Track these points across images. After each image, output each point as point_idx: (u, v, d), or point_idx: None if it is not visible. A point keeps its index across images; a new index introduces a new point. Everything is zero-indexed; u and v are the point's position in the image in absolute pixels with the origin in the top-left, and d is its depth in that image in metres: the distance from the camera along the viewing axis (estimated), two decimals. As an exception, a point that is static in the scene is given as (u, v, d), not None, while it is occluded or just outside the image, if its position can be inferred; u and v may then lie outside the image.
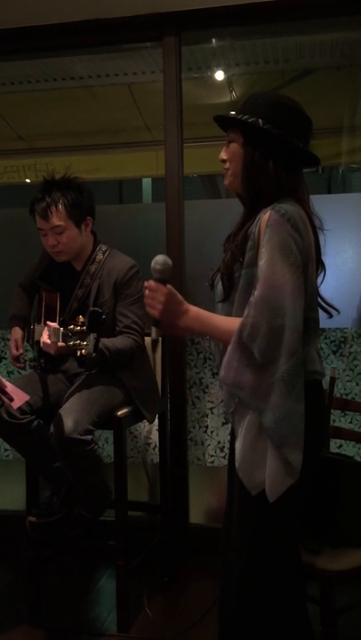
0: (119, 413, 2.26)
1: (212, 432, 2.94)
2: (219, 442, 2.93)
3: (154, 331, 1.61)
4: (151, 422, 2.48)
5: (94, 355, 1.92)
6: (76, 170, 2.40)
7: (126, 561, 2.25)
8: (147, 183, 6.55)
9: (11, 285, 2.60)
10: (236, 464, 1.51)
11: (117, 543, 2.24)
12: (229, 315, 1.57)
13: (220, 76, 3.68)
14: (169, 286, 1.54)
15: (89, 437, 2.10)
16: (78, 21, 2.76)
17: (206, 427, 2.94)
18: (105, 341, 2.16)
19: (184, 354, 2.87)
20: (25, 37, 2.88)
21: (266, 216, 1.48)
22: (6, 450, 3.17)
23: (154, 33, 2.81)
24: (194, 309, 1.56)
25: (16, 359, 2.43)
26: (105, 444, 3.01)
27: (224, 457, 2.91)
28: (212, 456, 2.94)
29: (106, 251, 2.39)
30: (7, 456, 3.18)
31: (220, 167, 1.65)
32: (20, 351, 2.43)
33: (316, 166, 1.62)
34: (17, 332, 2.46)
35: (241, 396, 1.48)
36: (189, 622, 2.24)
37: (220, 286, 1.63)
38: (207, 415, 2.94)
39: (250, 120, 1.53)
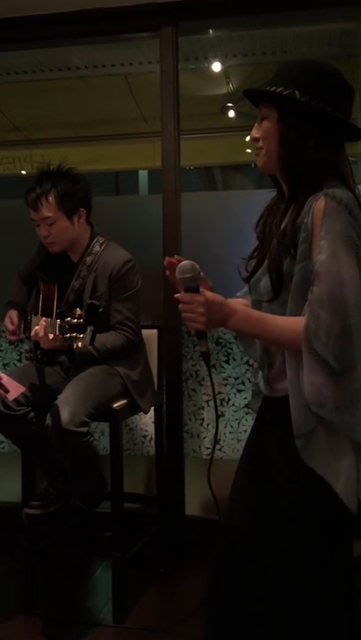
0: (115, 405, 2.26)
1: (208, 424, 2.95)
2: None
3: (201, 343, 1.40)
4: (146, 412, 2.48)
5: (90, 347, 1.91)
6: (72, 161, 2.39)
7: (123, 552, 2.25)
8: (143, 175, 6.52)
9: (6, 277, 2.60)
10: (338, 490, 1.31)
11: (114, 534, 2.24)
12: (277, 314, 1.39)
13: (217, 67, 3.66)
14: (203, 291, 1.35)
15: (85, 429, 2.10)
16: (75, 11, 2.74)
17: (202, 419, 2.95)
18: (95, 343, 2.16)
19: (181, 346, 2.87)
20: (21, 27, 2.86)
21: (320, 204, 1.31)
22: (2, 442, 3.17)
23: (151, 23, 2.79)
24: (242, 310, 1.37)
25: (12, 333, 2.41)
26: (101, 435, 3.01)
27: (220, 449, 2.92)
28: (207, 448, 2.94)
29: (103, 243, 2.39)
30: (3, 448, 3.18)
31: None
32: (16, 325, 2.41)
33: (358, 140, 1.43)
34: (12, 312, 2.45)
35: (325, 415, 1.29)
36: (186, 613, 2.26)
37: (264, 282, 1.43)
38: (203, 408, 2.95)
39: (285, 92, 1.36)
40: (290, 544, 1.39)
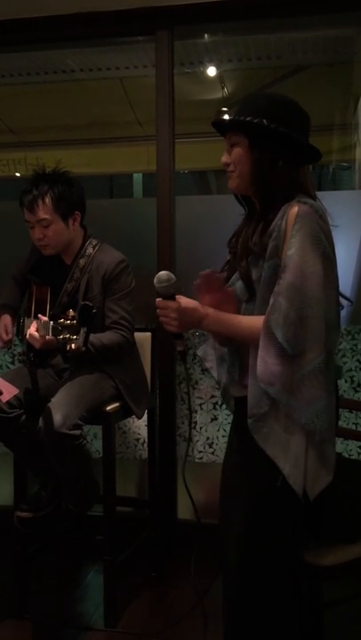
0: (108, 408, 2.26)
1: (200, 428, 2.95)
2: (208, 438, 2.93)
3: (177, 343, 1.57)
4: (140, 418, 2.48)
5: (84, 349, 1.91)
6: (66, 164, 2.39)
7: (114, 556, 2.25)
8: (137, 178, 6.54)
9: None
10: (285, 471, 1.44)
11: (105, 538, 2.24)
12: (253, 314, 1.52)
13: (212, 71, 3.68)
14: (179, 298, 1.52)
15: (77, 432, 2.10)
16: (70, 14, 2.74)
17: (195, 422, 2.95)
18: (91, 338, 2.16)
19: (174, 349, 2.86)
20: (16, 30, 2.86)
21: (295, 209, 1.46)
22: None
23: (146, 27, 2.79)
24: (213, 314, 1.53)
25: (5, 344, 2.41)
26: (94, 439, 3.00)
27: (213, 453, 2.92)
28: (200, 452, 2.94)
29: (96, 245, 2.39)
30: (-5, 451, 3.16)
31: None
32: (10, 336, 2.40)
33: (318, 161, 1.60)
34: (6, 318, 2.43)
35: (272, 393, 1.43)
36: (177, 617, 2.25)
37: (238, 285, 1.59)
38: (196, 411, 2.94)
39: (255, 121, 1.51)
40: (249, 525, 1.54)
